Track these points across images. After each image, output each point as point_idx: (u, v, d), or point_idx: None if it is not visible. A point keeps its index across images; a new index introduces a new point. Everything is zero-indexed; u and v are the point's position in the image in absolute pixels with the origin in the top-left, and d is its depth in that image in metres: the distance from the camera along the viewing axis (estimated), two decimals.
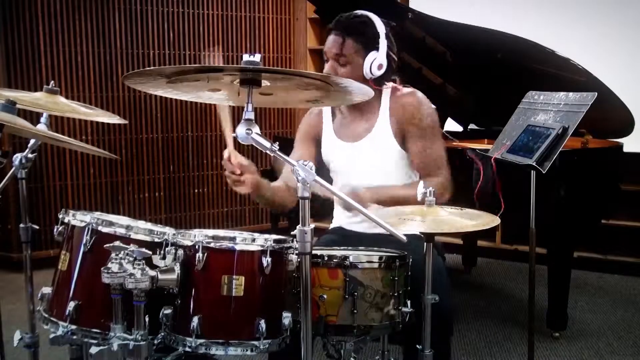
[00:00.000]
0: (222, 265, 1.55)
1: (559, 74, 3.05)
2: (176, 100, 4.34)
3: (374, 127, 2.11)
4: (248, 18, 4.88)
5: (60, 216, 1.73)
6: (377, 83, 2.08)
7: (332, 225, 2.28)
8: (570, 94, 2.12)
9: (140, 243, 1.60)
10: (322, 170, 2.23)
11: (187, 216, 4.79)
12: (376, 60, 2.03)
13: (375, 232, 2.00)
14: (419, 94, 2.12)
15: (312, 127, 2.25)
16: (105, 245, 1.51)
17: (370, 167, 2.11)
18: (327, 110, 2.23)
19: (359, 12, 2.08)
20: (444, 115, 4.00)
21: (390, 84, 2.15)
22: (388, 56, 2.06)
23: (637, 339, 3.04)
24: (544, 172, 1.99)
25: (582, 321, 3.27)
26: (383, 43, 2.04)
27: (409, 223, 1.61)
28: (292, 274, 1.63)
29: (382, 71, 2.05)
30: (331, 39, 2.05)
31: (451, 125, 4.07)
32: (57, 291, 1.68)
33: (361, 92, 1.58)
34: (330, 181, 2.22)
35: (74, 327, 1.60)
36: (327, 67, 2.06)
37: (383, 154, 2.10)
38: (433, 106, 2.13)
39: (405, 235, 1.49)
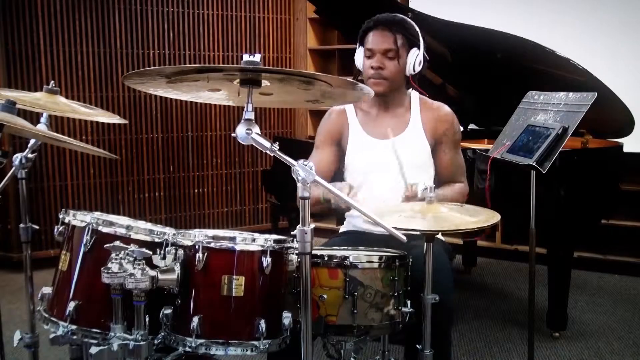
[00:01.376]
0: (222, 265, 1.55)
1: (559, 74, 3.05)
2: (176, 100, 4.34)
3: (407, 126, 2.16)
4: (248, 18, 4.87)
5: (61, 216, 1.73)
6: (413, 80, 2.16)
7: (343, 228, 2.27)
8: (570, 94, 2.13)
9: (141, 243, 1.60)
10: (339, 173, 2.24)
11: (187, 216, 4.79)
12: (418, 57, 2.10)
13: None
14: (449, 108, 2.21)
15: (334, 128, 2.22)
16: (105, 245, 1.51)
17: (403, 163, 2.09)
18: (350, 108, 2.23)
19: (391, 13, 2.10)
20: None
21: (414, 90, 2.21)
22: (423, 55, 2.13)
23: (637, 339, 3.04)
24: (544, 172, 1.99)
25: (582, 321, 3.27)
26: (421, 41, 2.11)
27: (409, 221, 1.61)
28: (292, 274, 1.63)
29: (421, 67, 2.12)
30: (378, 34, 2.07)
31: None
32: (57, 291, 1.68)
33: (362, 91, 1.58)
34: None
35: (74, 327, 1.60)
36: (373, 62, 2.06)
37: (415, 153, 2.15)
38: None
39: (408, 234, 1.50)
